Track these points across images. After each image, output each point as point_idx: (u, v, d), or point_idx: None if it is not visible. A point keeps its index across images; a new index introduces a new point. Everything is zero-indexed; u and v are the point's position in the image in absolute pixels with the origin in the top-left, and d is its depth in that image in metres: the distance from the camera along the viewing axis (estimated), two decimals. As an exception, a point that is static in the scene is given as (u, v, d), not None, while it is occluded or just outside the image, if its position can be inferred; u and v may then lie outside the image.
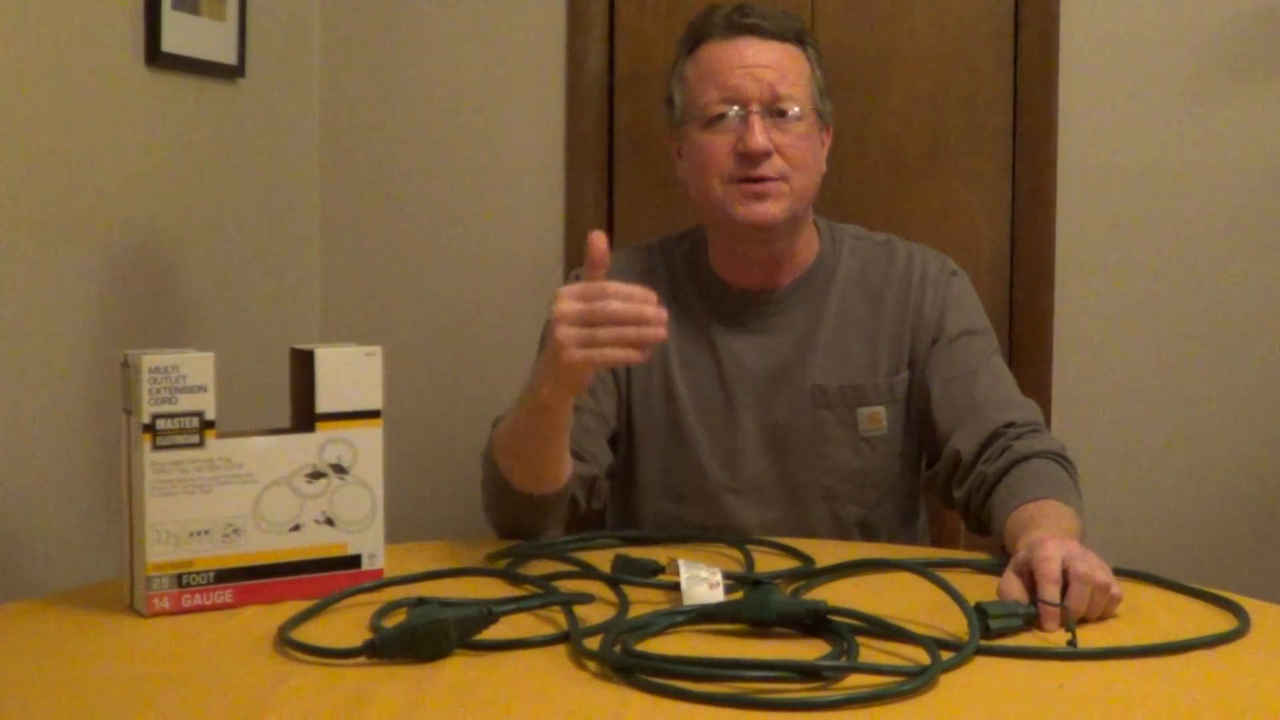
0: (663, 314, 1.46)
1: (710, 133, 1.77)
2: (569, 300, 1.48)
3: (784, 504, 1.84)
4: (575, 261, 2.67)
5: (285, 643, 1.26)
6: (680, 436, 1.85)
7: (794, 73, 1.78)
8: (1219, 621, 1.35)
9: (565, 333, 1.48)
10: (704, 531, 1.76)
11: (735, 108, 1.75)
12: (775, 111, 1.75)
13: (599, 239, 1.50)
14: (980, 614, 1.29)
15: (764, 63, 1.76)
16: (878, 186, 2.67)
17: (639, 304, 1.46)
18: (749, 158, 1.74)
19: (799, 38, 1.80)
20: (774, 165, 1.75)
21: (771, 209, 1.76)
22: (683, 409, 1.84)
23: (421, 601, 1.28)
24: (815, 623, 1.28)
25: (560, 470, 1.66)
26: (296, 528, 1.43)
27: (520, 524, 1.70)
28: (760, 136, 1.73)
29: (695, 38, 1.82)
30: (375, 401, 1.46)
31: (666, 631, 1.30)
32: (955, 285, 1.86)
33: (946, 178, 2.66)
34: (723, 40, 1.78)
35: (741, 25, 1.78)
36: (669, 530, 1.81)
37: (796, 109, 1.76)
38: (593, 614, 1.35)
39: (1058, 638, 1.29)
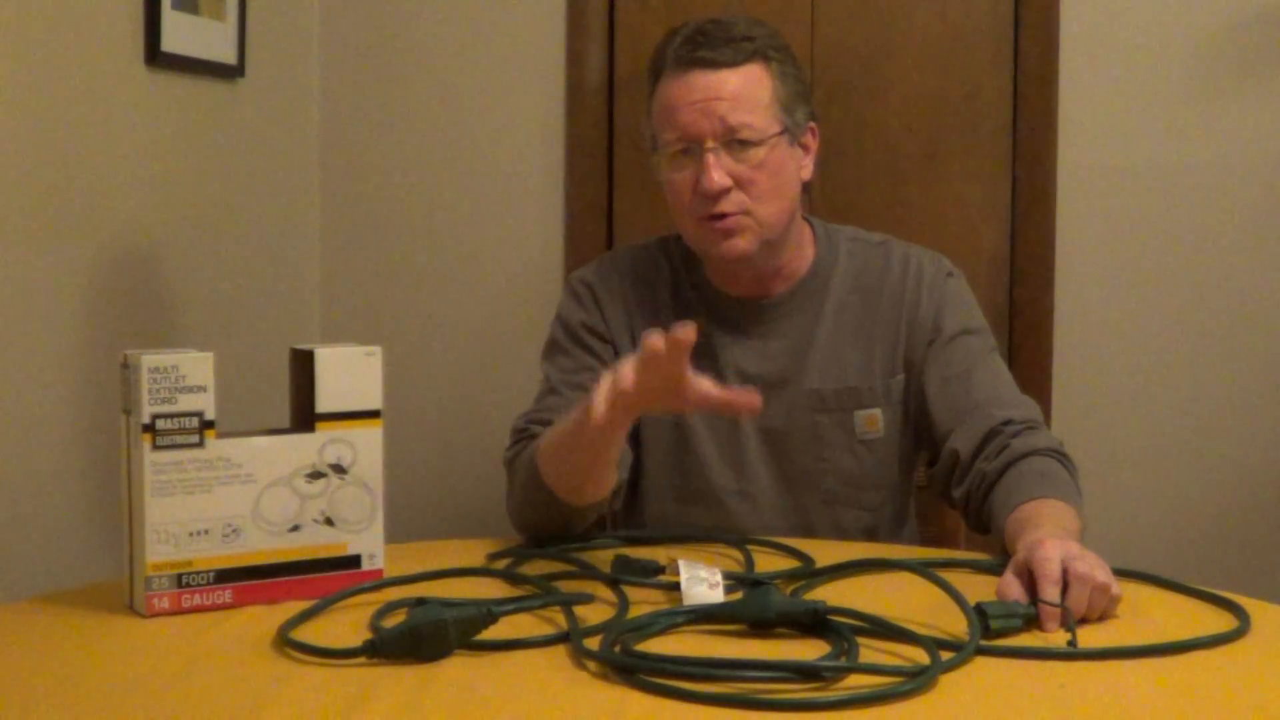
0: (690, 333, 1.41)
1: (674, 171, 1.75)
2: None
3: (786, 508, 1.83)
4: (575, 261, 2.67)
5: (285, 643, 1.26)
6: (685, 440, 1.84)
7: (750, 98, 1.72)
8: (1219, 621, 1.35)
9: (625, 375, 1.44)
10: (704, 531, 1.77)
11: (691, 146, 1.72)
12: (733, 143, 1.72)
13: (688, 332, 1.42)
14: (980, 614, 1.29)
15: (715, 95, 1.71)
16: (878, 186, 2.67)
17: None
18: (708, 196, 1.72)
19: (758, 55, 1.74)
20: (734, 200, 1.72)
21: (739, 244, 1.74)
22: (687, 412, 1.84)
23: (421, 601, 1.28)
24: (815, 623, 1.28)
25: (604, 484, 1.65)
26: (296, 528, 1.43)
27: (552, 528, 1.69)
28: (715, 175, 1.70)
29: (656, 70, 1.78)
30: (375, 401, 1.46)
31: (666, 632, 1.30)
32: (951, 285, 1.85)
33: (946, 178, 2.66)
34: (675, 75, 1.74)
35: (692, 59, 1.72)
36: (669, 530, 1.81)
37: (754, 137, 1.72)
38: (593, 614, 1.35)
39: (1058, 638, 1.29)
